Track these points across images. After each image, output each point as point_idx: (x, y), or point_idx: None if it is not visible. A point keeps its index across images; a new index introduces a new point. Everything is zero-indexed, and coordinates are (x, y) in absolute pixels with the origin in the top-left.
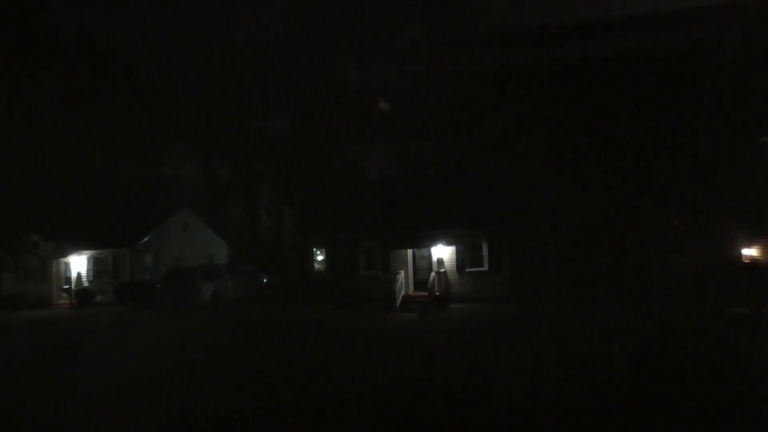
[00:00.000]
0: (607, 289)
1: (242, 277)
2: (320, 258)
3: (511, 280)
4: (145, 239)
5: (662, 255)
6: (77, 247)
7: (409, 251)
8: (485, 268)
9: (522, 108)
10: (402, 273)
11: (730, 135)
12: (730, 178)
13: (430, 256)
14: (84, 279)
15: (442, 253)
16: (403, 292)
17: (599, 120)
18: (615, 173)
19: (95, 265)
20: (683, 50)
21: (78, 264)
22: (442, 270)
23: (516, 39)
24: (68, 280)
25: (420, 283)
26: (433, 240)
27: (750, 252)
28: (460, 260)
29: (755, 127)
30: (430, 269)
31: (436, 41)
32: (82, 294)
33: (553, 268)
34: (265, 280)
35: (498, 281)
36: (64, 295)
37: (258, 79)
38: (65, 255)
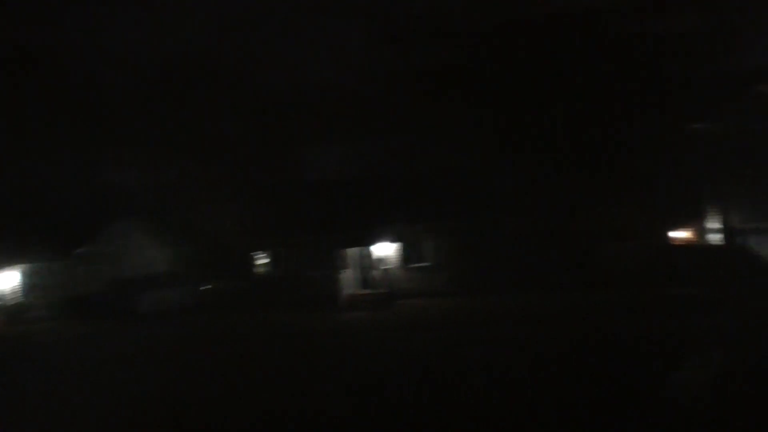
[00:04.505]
0: (556, 278)
1: (188, 283)
2: (266, 260)
3: (458, 274)
4: (86, 248)
5: (611, 240)
6: (9, 259)
7: (355, 249)
8: (431, 263)
9: (467, 103)
10: (348, 272)
11: (667, 121)
12: (668, 163)
13: (376, 254)
14: (15, 294)
15: (388, 250)
16: (350, 291)
17: (544, 111)
18: (563, 163)
19: (31, 278)
20: (618, 38)
21: (8, 278)
22: (388, 267)
23: (459, 35)
24: None
25: (367, 281)
26: (379, 237)
27: (688, 233)
28: (407, 256)
29: (690, 112)
30: (377, 267)
31: (389, 39)
32: (14, 310)
33: (502, 260)
34: (211, 286)
35: (445, 275)
36: None
37: (207, 78)
38: None
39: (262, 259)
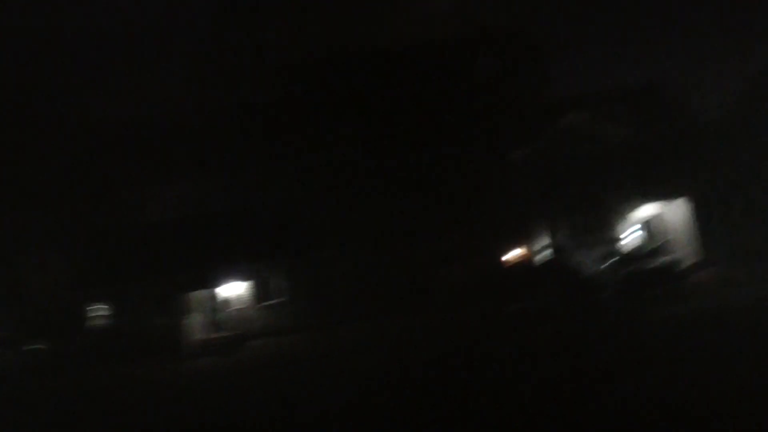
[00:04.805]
0: (403, 303)
1: (11, 346)
2: (102, 312)
3: (310, 308)
4: None
5: (450, 263)
6: None
7: (202, 292)
8: (283, 299)
9: (305, 137)
10: (195, 316)
11: (495, 148)
12: (498, 187)
13: (224, 295)
14: None
15: (238, 289)
16: (198, 336)
17: (376, 143)
18: (399, 192)
19: None
20: (442, 70)
21: None
22: (238, 307)
23: (291, 69)
24: None
25: (216, 324)
26: (227, 277)
27: (520, 251)
28: (257, 294)
29: (514, 139)
30: (226, 308)
31: (223, 73)
32: None
33: (352, 291)
34: (39, 346)
35: (297, 311)
36: None
37: (22, 115)
38: None
39: (97, 312)
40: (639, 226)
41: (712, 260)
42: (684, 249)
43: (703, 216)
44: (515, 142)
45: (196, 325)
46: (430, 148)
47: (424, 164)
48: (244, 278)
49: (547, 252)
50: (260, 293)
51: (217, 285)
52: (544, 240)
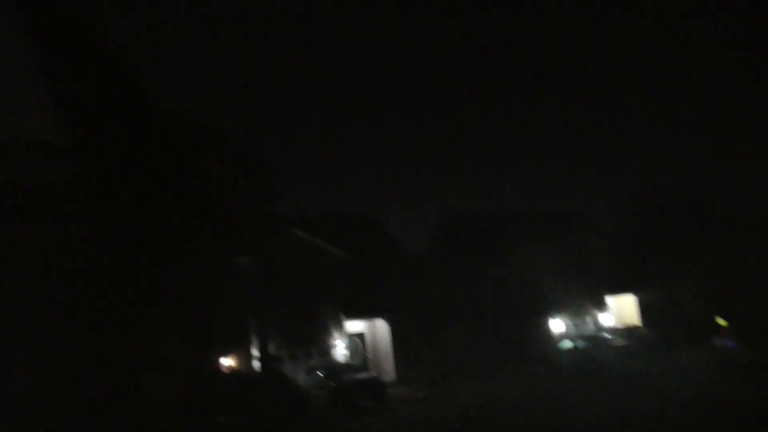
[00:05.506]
0: (101, 414)
1: None
2: None
3: None
4: None
5: (154, 372)
6: None
7: None
8: None
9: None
10: None
11: (210, 255)
12: (211, 294)
13: None
14: None
15: None
16: None
17: (85, 238)
18: (107, 292)
19: None
20: (168, 176)
21: None
22: None
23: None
24: None
25: None
26: None
27: (230, 361)
28: None
29: (232, 247)
30: None
31: None
32: None
33: (33, 399)
34: None
35: None
36: None
37: None
38: None
39: None
40: (348, 341)
41: (408, 378)
42: (385, 365)
43: (400, 338)
44: (231, 253)
45: None
46: (147, 248)
47: (139, 264)
48: None
49: (261, 361)
50: None
51: None
52: (258, 349)
